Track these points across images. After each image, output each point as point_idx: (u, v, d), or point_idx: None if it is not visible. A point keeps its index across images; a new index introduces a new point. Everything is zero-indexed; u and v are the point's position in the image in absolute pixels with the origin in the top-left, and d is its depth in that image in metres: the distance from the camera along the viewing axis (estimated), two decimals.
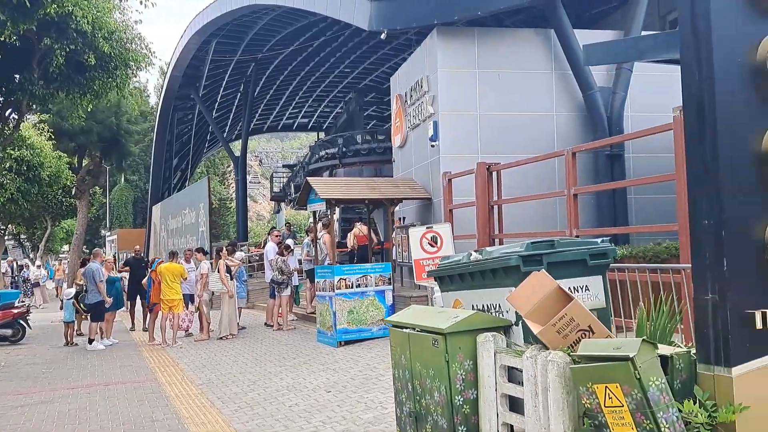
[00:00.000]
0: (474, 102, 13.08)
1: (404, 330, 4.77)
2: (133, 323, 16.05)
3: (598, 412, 3.36)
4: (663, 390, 3.18)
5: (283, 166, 40.26)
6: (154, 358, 11.48)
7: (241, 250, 17.70)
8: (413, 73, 14.42)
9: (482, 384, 4.22)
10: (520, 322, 4.27)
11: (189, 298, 13.83)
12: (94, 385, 9.32)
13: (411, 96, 14.38)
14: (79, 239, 31.88)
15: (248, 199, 37.94)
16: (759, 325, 3.24)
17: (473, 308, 4.76)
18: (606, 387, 3.28)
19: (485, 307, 4.69)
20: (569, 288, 4.22)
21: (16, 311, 14.45)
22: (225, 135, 34.42)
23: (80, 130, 31.07)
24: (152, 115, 39.63)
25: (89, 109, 18.29)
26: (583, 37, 12.60)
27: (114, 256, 31.71)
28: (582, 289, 4.50)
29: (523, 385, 3.88)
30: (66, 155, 33.07)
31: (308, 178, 13.92)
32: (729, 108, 3.31)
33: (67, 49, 14.04)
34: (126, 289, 16.07)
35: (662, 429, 3.12)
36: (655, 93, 12.55)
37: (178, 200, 28.74)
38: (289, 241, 15.70)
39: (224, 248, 14.02)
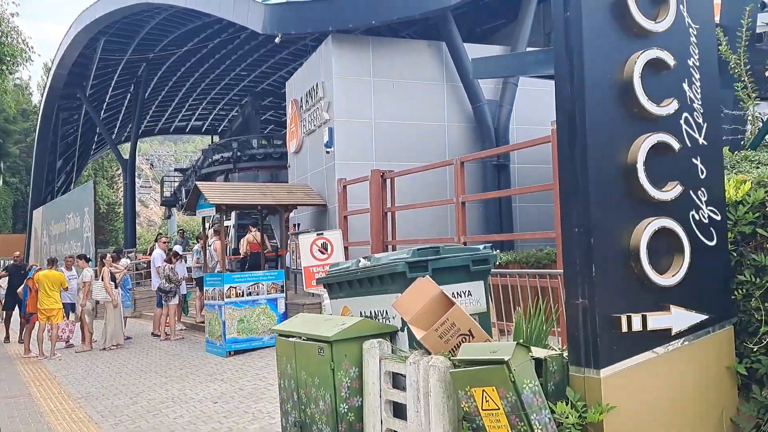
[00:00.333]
0: (369, 110, 13.20)
1: (290, 339, 4.72)
2: (7, 334, 15.19)
3: (476, 416, 3.44)
4: (536, 392, 3.28)
5: (175, 170, 39.01)
6: (29, 371, 10.78)
7: (128, 257, 17.00)
8: (309, 79, 14.36)
9: (367, 391, 4.23)
10: (405, 328, 4.31)
11: (70, 308, 13.27)
12: None
13: (307, 101, 14.31)
14: None
15: (138, 204, 36.50)
16: (625, 328, 3.43)
17: (361, 315, 4.77)
18: (483, 390, 3.35)
19: (373, 314, 4.71)
20: (453, 293, 4.31)
21: None
22: (114, 137, 32.88)
23: None
24: (35, 114, 37.37)
25: None
26: (473, 50, 13.07)
27: None
28: (465, 294, 4.61)
29: (406, 391, 3.92)
30: None
31: (197, 182, 13.52)
32: (598, 122, 3.49)
33: None
34: (2, 299, 15.12)
35: (535, 430, 3.22)
36: (538, 107, 13.16)
37: (61, 204, 27.47)
38: (177, 248, 15.22)
39: (108, 255, 13.43)
